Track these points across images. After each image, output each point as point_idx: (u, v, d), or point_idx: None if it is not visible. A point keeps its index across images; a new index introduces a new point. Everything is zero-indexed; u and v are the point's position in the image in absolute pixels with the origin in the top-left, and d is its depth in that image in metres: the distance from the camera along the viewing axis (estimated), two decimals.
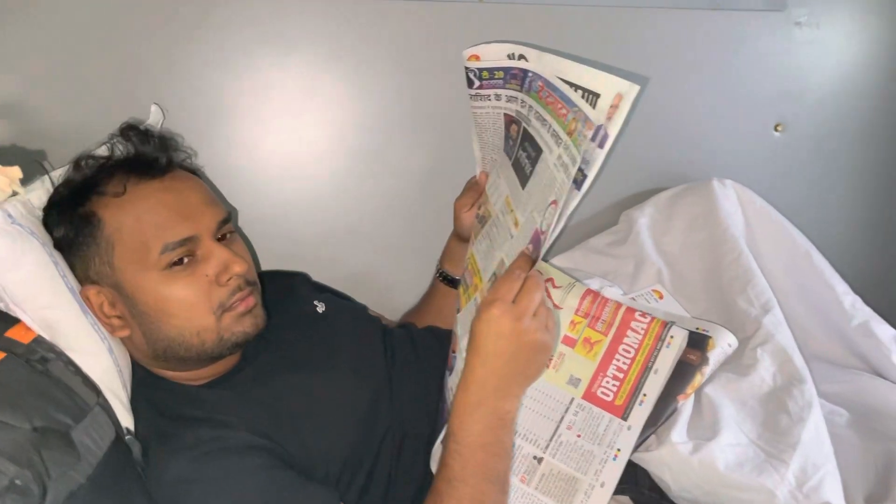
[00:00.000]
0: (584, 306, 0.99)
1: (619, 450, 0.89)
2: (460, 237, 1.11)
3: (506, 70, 0.91)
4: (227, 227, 0.90)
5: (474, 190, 1.07)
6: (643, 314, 0.98)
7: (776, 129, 1.42)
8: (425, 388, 0.99)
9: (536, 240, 0.81)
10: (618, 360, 0.95)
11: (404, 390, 0.99)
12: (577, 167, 0.75)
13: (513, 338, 0.74)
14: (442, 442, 0.82)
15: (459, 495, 0.75)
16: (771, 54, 1.39)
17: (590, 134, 0.75)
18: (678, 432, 0.92)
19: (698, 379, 0.96)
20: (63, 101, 1.12)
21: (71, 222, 0.85)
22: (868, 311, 1.14)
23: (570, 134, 0.79)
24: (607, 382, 0.94)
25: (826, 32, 1.38)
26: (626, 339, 0.97)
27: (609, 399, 0.93)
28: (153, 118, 1.04)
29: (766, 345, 1.03)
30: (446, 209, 1.17)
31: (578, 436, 0.90)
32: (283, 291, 1.05)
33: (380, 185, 1.29)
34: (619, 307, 0.99)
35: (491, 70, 0.93)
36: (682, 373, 0.94)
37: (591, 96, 0.76)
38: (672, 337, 0.95)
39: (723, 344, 0.98)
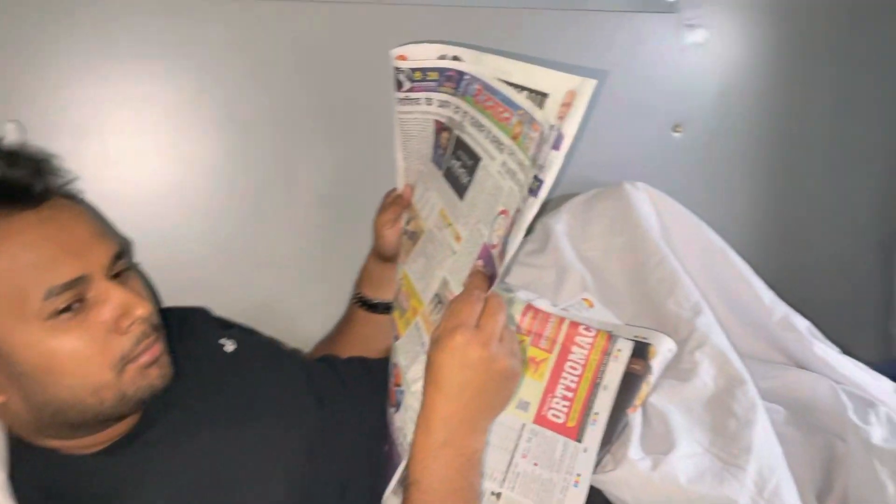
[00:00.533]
0: (525, 323, 0.93)
1: (578, 475, 0.83)
2: (382, 257, 1.02)
3: (441, 71, 0.84)
4: (122, 263, 0.77)
5: (397, 204, 0.98)
6: (587, 327, 0.93)
7: (675, 131, 1.44)
8: (362, 430, 0.88)
9: (487, 255, 0.74)
10: (565, 379, 0.90)
11: (339, 434, 0.88)
12: (529, 173, 0.69)
13: (481, 367, 0.66)
14: (396, 491, 0.73)
15: None
16: (666, 56, 1.40)
17: (536, 136, 0.69)
18: (634, 449, 0.87)
19: (645, 389, 0.92)
20: None
21: None
22: (785, 305, 1.16)
23: (514, 138, 0.73)
24: (557, 403, 0.88)
25: (716, 34, 1.41)
26: (571, 356, 0.92)
27: (561, 421, 0.87)
28: (11, 137, 0.88)
29: (704, 347, 1.01)
30: (357, 226, 1.08)
31: (535, 464, 0.84)
32: (183, 331, 0.91)
33: (280, 203, 1.18)
34: (561, 322, 0.93)
35: (424, 70, 0.85)
36: (629, 385, 0.91)
37: (538, 96, 0.70)
38: (619, 350, 0.91)
39: (663, 350, 0.95)
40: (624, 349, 0.91)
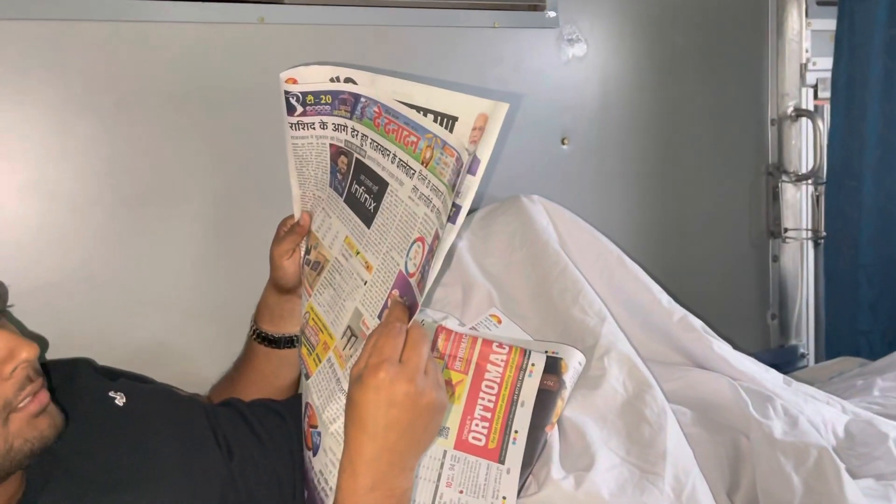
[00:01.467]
0: (438, 345, 0.91)
1: (504, 497, 0.82)
2: (281, 288, 0.97)
3: (334, 94, 0.80)
4: None
5: (295, 233, 0.93)
6: (500, 345, 0.92)
7: (563, 143, 1.47)
8: (277, 477, 0.83)
9: (404, 284, 0.71)
10: (482, 399, 0.89)
11: (252, 485, 0.81)
12: (447, 200, 0.67)
13: (408, 403, 0.63)
14: None
15: None
16: (550, 71, 1.44)
17: (452, 161, 0.67)
18: (556, 468, 0.86)
19: (560, 405, 0.92)
20: None
21: None
22: (680, 306, 1.19)
23: (425, 163, 0.70)
24: (476, 425, 0.86)
25: (594, 47, 1.46)
26: (487, 375, 0.90)
27: (482, 444, 0.85)
28: None
29: (611, 353, 1.01)
30: (252, 257, 1.02)
31: (461, 492, 0.81)
32: (66, 386, 0.82)
33: (159, 238, 1.10)
34: (475, 341, 0.92)
35: (317, 94, 0.81)
36: (544, 401, 0.90)
37: (447, 120, 0.68)
38: (533, 365, 0.91)
39: (574, 364, 0.96)
40: (538, 363, 0.91)
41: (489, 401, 0.88)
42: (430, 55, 1.32)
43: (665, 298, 1.19)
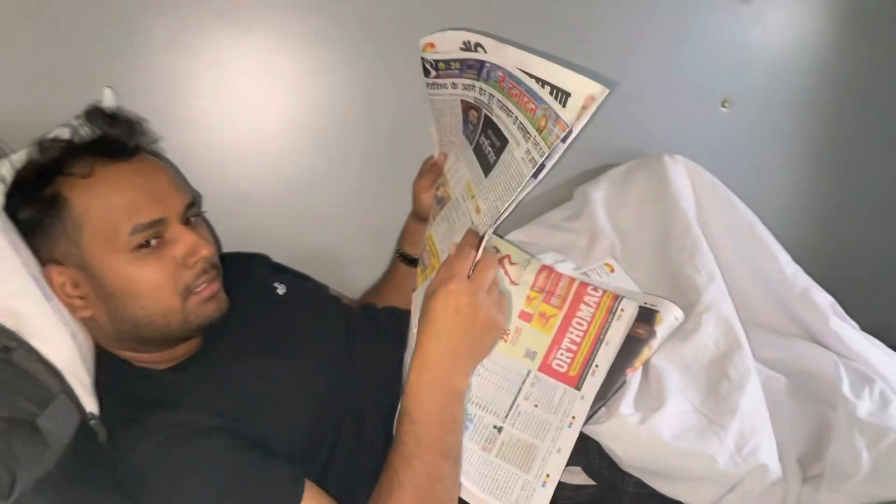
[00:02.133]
0: (539, 282, 1.02)
1: (573, 417, 0.92)
2: (419, 217, 1.14)
3: (462, 61, 0.93)
4: (193, 211, 0.91)
5: (433, 171, 1.09)
6: (595, 288, 1.01)
7: (723, 106, 1.46)
8: (386, 367, 1.01)
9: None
10: (571, 333, 0.99)
11: (365, 371, 1.01)
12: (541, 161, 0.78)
13: (468, 313, 0.77)
14: (397, 419, 0.85)
15: (415, 472, 0.78)
16: (717, 31, 1.42)
17: (562, 134, 0.77)
18: (626, 404, 0.96)
19: (646, 353, 0.99)
20: (12, 86, 1.10)
21: (35, 204, 0.85)
22: (808, 279, 1.20)
23: (539, 130, 0.81)
24: (562, 354, 0.97)
25: (770, 9, 1.42)
26: (579, 313, 1.00)
27: (563, 370, 0.96)
28: (106, 101, 1.04)
29: (710, 312, 1.07)
30: (406, 188, 1.19)
31: (536, 406, 0.94)
32: (242, 273, 1.06)
33: (339, 164, 1.30)
34: (572, 282, 1.02)
35: (447, 62, 0.94)
36: (631, 347, 0.98)
37: (562, 95, 0.77)
38: (622, 310, 0.99)
39: (670, 318, 1.02)
40: (627, 309, 0.99)
41: (577, 335, 0.99)
42: (596, 14, 1.36)
43: (791, 270, 1.20)
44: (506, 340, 0.97)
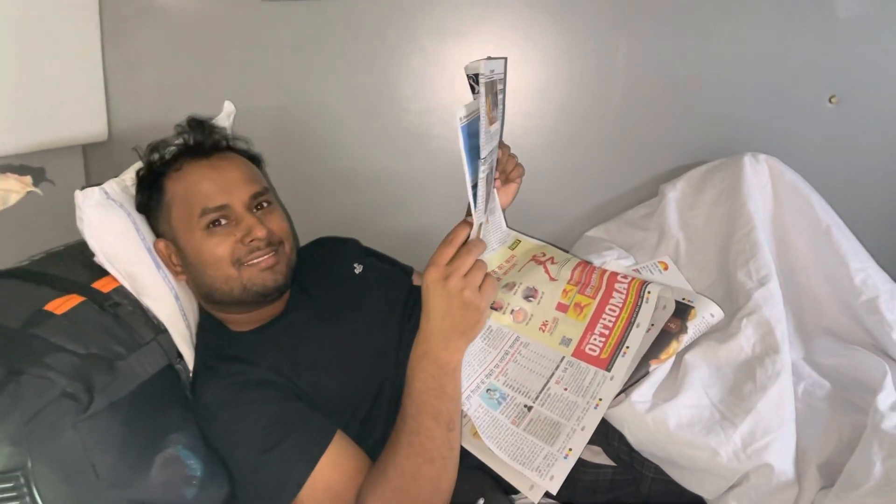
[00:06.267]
0: (575, 276, 1.11)
1: (600, 399, 0.99)
2: None
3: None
4: (263, 199, 1.11)
5: None
6: (624, 276, 1.09)
7: (830, 101, 1.41)
8: None
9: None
10: (604, 319, 1.06)
11: (411, 341, 1.16)
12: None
13: (445, 295, 0.89)
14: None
15: (409, 429, 0.91)
16: (825, 26, 1.38)
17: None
18: (640, 392, 1.02)
19: (674, 346, 1.04)
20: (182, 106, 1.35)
21: (148, 191, 1.11)
22: (880, 288, 1.15)
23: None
24: (595, 339, 1.05)
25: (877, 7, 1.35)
26: (611, 300, 1.08)
27: (596, 354, 1.03)
28: (225, 111, 1.28)
29: (752, 316, 1.09)
30: None
31: (565, 389, 1.01)
32: (332, 254, 1.26)
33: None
34: (604, 273, 1.10)
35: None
36: (659, 340, 1.03)
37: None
38: (649, 293, 1.06)
39: (705, 314, 1.06)
40: (653, 292, 1.06)
41: (609, 320, 1.06)
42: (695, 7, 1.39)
43: (860, 277, 1.17)
44: (503, 310, 1.07)
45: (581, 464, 1.07)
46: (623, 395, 1.05)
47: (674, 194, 1.34)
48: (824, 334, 1.18)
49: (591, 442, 1.05)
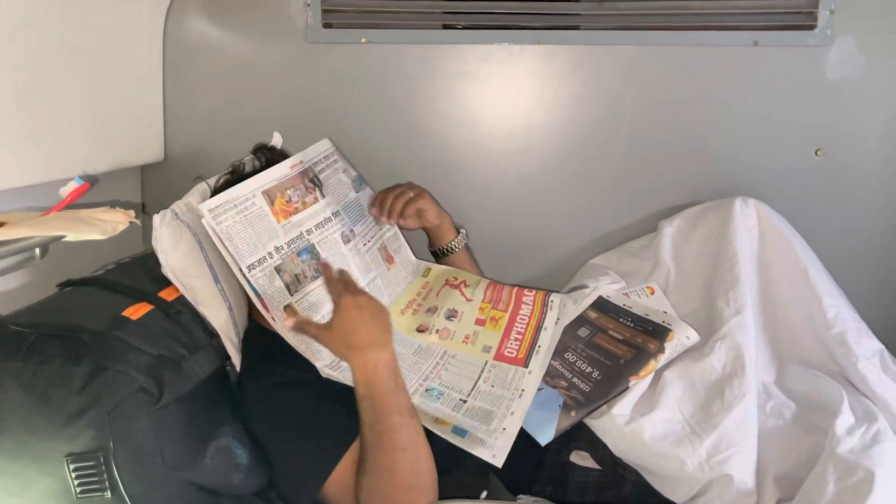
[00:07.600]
0: (487, 295, 1.35)
1: (522, 390, 1.20)
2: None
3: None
4: None
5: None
6: (529, 290, 1.35)
7: (816, 154, 1.54)
8: None
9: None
10: (517, 326, 1.30)
11: None
12: None
13: (338, 315, 1.09)
14: None
15: (377, 432, 1.05)
16: (814, 81, 1.53)
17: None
18: (621, 406, 1.17)
19: (652, 364, 1.21)
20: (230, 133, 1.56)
21: None
22: (849, 323, 1.28)
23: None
24: (511, 344, 1.28)
25: (872, 68, 1.49)
26: (521, 311, 1.33)
27: (514, 355, 1.26)
28: (274, 141, 1.45)
29: (725, 339, 1.23)
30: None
31: (493, 386, 1.21)
32: None
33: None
34: (512, 290, 1.36)
35: None
36: (638, 358, 1.22)
37: None
38: (552, 301, 1.33)
39: (681, 337, 1.23)
40: (556, 300, 1.33)
41: (521, 327, 1.29)
42: (694, 67, 1.55)
43: (833, 313, 1.30)
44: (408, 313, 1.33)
45: (571, 467, 1.21)
46: (605, 407, 1.19)
47: (670, 229, 1.49)
48: (797, 362, 1.32)
49: (580, 448, 1.22)
